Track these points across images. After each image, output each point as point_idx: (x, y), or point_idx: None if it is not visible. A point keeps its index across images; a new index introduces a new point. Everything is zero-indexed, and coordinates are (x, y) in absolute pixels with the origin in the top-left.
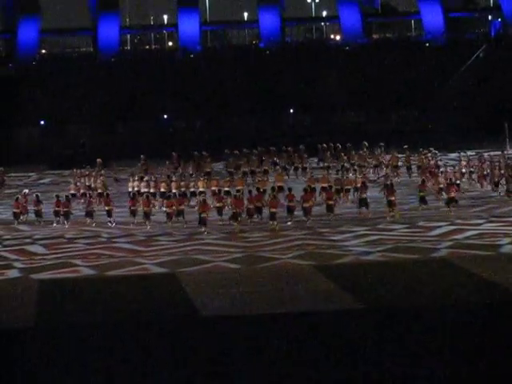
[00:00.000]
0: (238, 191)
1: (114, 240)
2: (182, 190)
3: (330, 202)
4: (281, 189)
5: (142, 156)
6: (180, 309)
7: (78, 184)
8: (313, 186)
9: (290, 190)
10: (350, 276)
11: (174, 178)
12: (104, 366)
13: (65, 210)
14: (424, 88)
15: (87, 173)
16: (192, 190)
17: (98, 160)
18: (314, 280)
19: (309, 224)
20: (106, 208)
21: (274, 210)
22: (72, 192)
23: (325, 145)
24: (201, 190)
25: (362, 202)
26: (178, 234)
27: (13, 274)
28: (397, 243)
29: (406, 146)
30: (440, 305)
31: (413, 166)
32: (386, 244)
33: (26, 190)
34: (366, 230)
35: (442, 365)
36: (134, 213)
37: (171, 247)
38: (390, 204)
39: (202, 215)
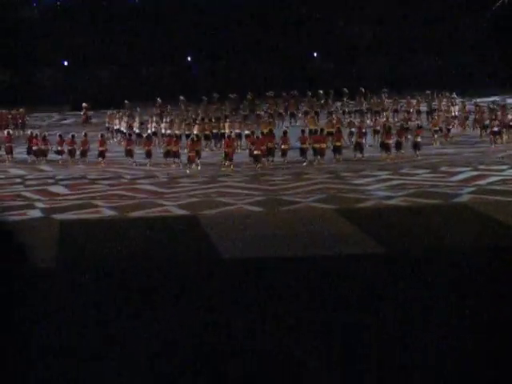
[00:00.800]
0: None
1: (136, 181)
2: (206, 132)
3: (338, 144)
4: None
5: (158, 99)
6: (201, 251)
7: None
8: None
9: (302, 131)
10: (372, 220)
11: (197, 121)
12: (121, 307)
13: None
14: (443, 30)
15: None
16: (215, 131)
17: (126, 102)
18: (336, 224)
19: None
20: (146, 148)
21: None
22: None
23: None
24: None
25: (357, 147)
26: (200, 176)
27: (34, 214)
28: (419, 188)
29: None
30: (460, 249)
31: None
32: (408, 189)
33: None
34: (389, 175)
35: (456, 308)
36: (130, 154)
37: (193, 189)
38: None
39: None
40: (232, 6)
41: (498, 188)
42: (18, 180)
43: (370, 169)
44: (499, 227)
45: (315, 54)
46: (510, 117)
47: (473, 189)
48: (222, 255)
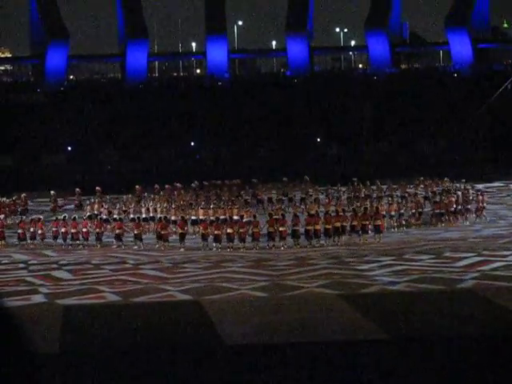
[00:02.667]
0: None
1: (139, 266)
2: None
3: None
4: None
5: (137, 186)
6: (204, 336)
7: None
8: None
9: (283, 216)
10: (375, 306)
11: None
12: None
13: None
14: (452, 118)
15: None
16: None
17: (137, 187)
18: (339, 309)
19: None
20: (136, 232)
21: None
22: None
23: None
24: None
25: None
26: (203, 262)
27: (38, 299)
28: (423, 274)
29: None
30: (464, 336)
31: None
32: (411, 274)
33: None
34: (392, 260)
35: None
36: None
37: (197, 274)
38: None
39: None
40: (233, 91)
41: (502, 274)
42: (22, 265)
43: (373, 254)
44: (504, 313)
45: (318, 140)
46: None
47: (477, 274)
48: (225, 341)
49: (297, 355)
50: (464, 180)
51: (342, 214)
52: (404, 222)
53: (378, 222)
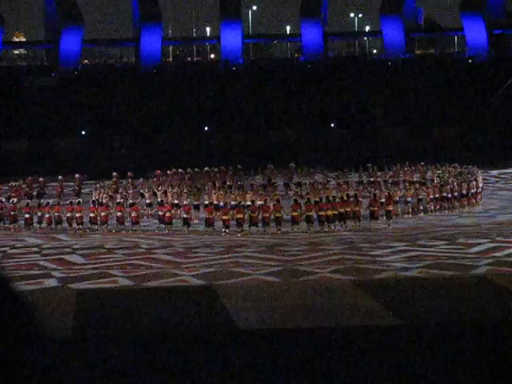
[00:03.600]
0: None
1: (152, 251)
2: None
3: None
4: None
5: (114, 173)
6: (217, 321)
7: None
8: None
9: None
10: (389, 292)
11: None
12: (139, 379)
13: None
14: (466, 105)
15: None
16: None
17: (157, 171)
18: (353, 295)
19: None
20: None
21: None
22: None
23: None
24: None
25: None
26: (217, 246)
27: (51, 283)
28: (436, 260)
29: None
30: (477, 322)
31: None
32: (425, 260)
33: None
34: (406, 246)
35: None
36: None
37: (210, 259)
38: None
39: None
40: (250, 76)
41: None
42: (35, 249)
43: (386, 240)
44: None
45: (332, 125)
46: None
47: (490, 261)
48: (239, 326)
49: (310, 340)
50: (470, 166)
51: (350, 199)
52: (422, 208)
53: (389, 208)
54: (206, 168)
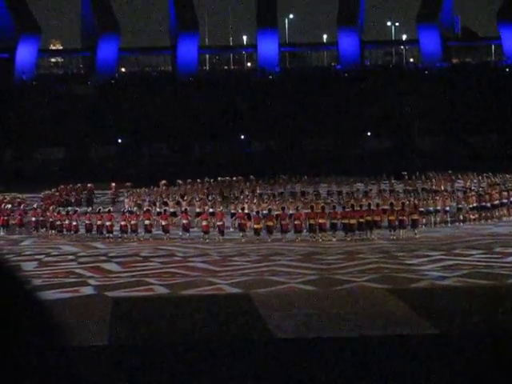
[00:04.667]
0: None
1: (188, 259)
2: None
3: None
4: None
5: (112, 184)
6: (253, 329)
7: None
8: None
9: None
10: (425, 301)
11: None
12: None
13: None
14: (504, 113)
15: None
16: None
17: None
18: (389, 304)
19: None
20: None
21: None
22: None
23: None
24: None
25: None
26: (252, 255)
27: (87, 291)
28: (473, 269)
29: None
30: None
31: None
32: (462, 269)
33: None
34: (442, 255)
35: None
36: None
37: (246, 267)
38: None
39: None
40: (283, 85)
41: None
42: (71, 257)
43: (423, 249)
44: None
45: (369, 134)
46: None
47: None
48: (274, 334)
49: (346, 349)
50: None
51: (374, 208)
52: (461, 217)
53: (415, 217)
54: (235, 177)
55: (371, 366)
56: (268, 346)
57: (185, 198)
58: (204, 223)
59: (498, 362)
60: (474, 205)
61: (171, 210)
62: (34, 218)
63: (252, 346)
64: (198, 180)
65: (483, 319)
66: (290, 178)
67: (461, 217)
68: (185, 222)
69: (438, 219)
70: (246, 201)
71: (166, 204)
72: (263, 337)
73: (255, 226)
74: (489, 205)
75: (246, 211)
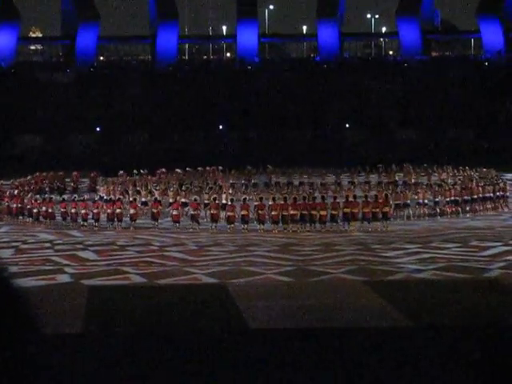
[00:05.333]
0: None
1: (165, 248)
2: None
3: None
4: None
5: (93, 172)
6: (229, 320)
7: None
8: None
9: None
10: (401, 293)
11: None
12: (147, 376)
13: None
14: (481, 108)
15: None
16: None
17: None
18: (365, 296)
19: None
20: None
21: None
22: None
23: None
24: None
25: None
26: (229, 245)
27: (64, 279)
28: (449, 262)
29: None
30: (489, 325)
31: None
32: (438, 262)
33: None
34: (418, 248)
35: None
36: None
37: (222, 258)
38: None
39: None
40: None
41: None
42: (48, 245)
43: (399, 241)
44: None
45: (347, 125)
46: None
47: (503, 264)
48: (249, 325)
49: (321, 341)
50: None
51: (352, 200)
52: (439, 211)
53: (386, 209)
54: (208, 167)
55: (345, 357)
56: (242, 336)
57: (157, 188)
58: (174, 213)
59: (473, 354)
60: (453, 198)
61: (143, 199)
62: (14, 205)
63: (227, 337)
64: (178, 170)
65: (458, 312)
66: (258, 169)
67: (438, 210)
68: (154, 211)
69: (416, 212)
70: (225, 191)
71: (138, 193)
72: (238, 327)
73: (243, 213)
74: (469, 198)
75: (224, 201)
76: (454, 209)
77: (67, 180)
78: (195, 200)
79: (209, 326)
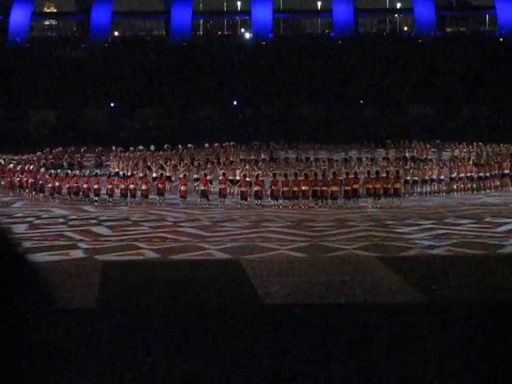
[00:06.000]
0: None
1: (179, 224)
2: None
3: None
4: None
5: (97, 149)
6: (242, 295)
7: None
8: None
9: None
10: (415, 269)
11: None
12: (161, 351)
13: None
14: (496, 84)
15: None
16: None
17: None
18: (379, 272)
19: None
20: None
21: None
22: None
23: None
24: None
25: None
26: (243, 221)
27: (77, 254)
28: (463, 238)
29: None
30: (503, 302)
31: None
32: (452, 239)
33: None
34: (433, 224)
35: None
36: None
37: (236, 233)
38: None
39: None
40: (279, 51)
41: None
42: (62, 220)
43: (413, 217)
44: None
45: (361, 101)
46: None
47: None
48: (263, 300)
49: (335, 316)
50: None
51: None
52: (455, 187)
53: (397, 186)
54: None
55: (360, 333)
56: (256, 312)
57: (167, 164)
58: (182, 188)
59: (488, 330)
60: (468, 174)
61: (154, 174)
62: (30, 180)
63: (241, 312)
64: (190, 145)
65: (472, 288)
66: (268, 145)
67: (454, 186)
68: (160, 186)
69: (433, 189)
70: (239, 167)
71: (149, 169)
72: (251, 303)
73: (242, 189)
74: (488, 175)
75: (238, 177)
76: (469, 185)
77: (90, 155)
78: (205, 175)
79: (222, 301)
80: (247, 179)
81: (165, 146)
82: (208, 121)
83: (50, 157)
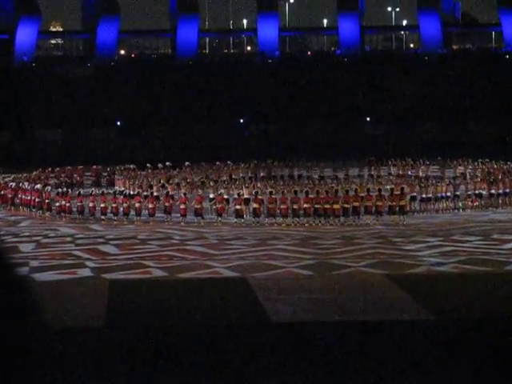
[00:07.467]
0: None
1: (186, 242)
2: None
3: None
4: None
5: (94, 166)
6: (250, 313)
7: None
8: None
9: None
10: (423, 287)
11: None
12: (169, 369)
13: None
14: (503, 100)
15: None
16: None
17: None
18: (386, 289)
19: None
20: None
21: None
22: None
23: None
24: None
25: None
26: (250, 239)
27: (84, 273)
28: (470, 255)
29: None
30: (510, 319)
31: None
32: (459, 255)
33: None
34: (440, 241)
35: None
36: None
37: (243, 251)
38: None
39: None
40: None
41: None
42: (69, 239)
43: (420, 234)
44: None
45: (368, 119)
46: None
47: None
48: (271, 318)
49: (342, 334)
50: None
51: (361, 194)
52: (460, 205)
53: (402, 203)
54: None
55: (367, 351)
56: (264, 330)
57: (170, 182)
58: (182, 206)
59: (496, 348)
60: (477, 192)
61: (155, 193)
62: (37, 199)
63: (249, 331)
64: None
65: (480, 306)
66: (273, 162)
67: (460, 204)
68: (167, 204)
69: (441, 206)
70: (246, 185)
71: (151, 187)
72: (259, 321)
73: (255, 206)
74: (501, 192)
75: (245, 195)
76: (477, 202)
77: (87, 174)
78: (198, 194)
79: (230, 319)
80: (259, 197)
81: (166, 164)
82: (215, 138)
83: (57, 175)
